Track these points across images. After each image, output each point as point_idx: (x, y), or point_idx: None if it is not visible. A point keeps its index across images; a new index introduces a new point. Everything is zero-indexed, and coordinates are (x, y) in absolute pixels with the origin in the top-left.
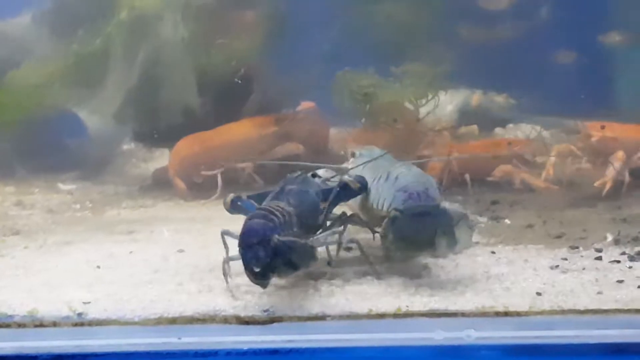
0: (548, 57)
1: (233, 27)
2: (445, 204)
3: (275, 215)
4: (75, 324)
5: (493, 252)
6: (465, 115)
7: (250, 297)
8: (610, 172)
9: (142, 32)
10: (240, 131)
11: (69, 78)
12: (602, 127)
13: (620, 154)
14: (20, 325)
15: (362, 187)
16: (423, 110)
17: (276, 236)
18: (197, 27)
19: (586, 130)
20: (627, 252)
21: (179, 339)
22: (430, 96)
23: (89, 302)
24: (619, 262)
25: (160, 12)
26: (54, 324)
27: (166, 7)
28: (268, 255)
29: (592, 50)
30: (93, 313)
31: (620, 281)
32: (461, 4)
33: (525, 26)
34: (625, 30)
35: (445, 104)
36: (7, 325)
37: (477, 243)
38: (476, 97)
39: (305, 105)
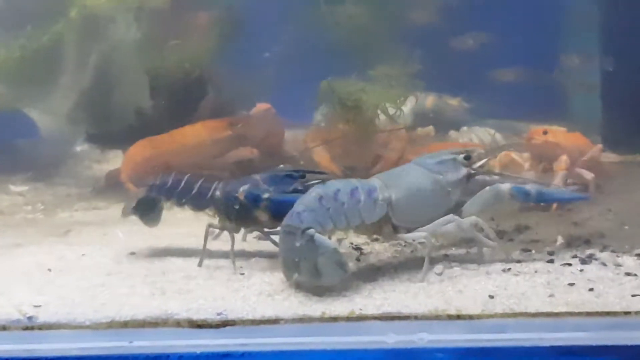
0: (505, 67)
1: (186, 28)
2: (324, 236)
3: None
4: (26, 328)
5: (446, 255)
6: (420, 117)
7: (204, 301)
8: (558, 181)
9: (94, 32)
10: (193, 135)
11: (15, 74)
12: (545, 133)
13: (563, 159)
14: None
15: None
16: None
17: None
18: (150, 29)
19: (529, 134)
20: (578, 255)
21: (130, 342)
22: (403, 98)
23: (40, 306)
24: (570, 265)
25: (113, 13)
26: (4, 328)
27: (118, 8)
28: None
29: (551, 67)
30: (44, 317)
31: (572, 284)
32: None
33: (488, 38)
34: (581, 53)
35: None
36: None
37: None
38: (430, 99)
39: (261, 107)
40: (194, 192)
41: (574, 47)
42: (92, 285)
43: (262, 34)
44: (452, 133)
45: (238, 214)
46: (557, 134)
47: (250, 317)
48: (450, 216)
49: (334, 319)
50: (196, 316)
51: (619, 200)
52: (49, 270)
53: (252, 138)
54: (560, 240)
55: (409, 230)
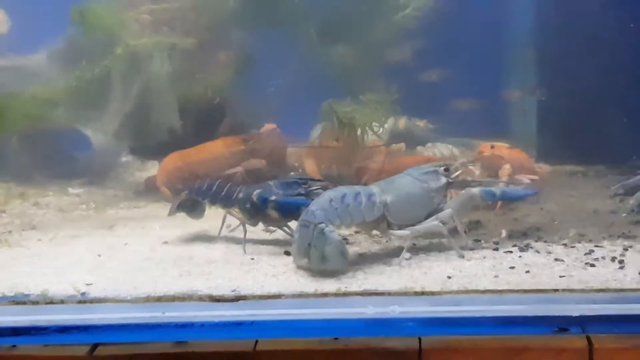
0: (461, 97)
1: (209, 65)
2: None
3: None
4: (79, 302)
5: (414, 244)
6: (394, 136)
7: (221, 280)
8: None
9: (135, 66)
10: (214, 149)
11: (72, 99)
12: (492, 147)
13: (507, 167)
14: (34, 302)
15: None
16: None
17: None
18: (180, 64)
19: (480, 149)
20: (517, 244)
21: (163, 313)
22: (384, 119)
23: (91, 284)
24: (511, 252)
25: (150, 51)
26: (62, 302)
27: (155, 47)
28: None
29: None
30: (94, 293)
31: (512, 267)
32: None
33: (448, 73)
34: (521, 87)
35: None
36: (24, 303)
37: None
38: (402, 122)
39: (268, 127)
40: (223, 194)
41: (516, 80)
42: (133, 268)
43: (269, 68)
44: (419, 148)
45: (254, 211)
46: (502, 148)
47: (258, 293)
48: (434, 219)
49: (325, 294)
50: (215, 292)
51: (550, 201)
52: (99, 255)
53: (261, 152)
54: (503, 233)
55: (399, 227)
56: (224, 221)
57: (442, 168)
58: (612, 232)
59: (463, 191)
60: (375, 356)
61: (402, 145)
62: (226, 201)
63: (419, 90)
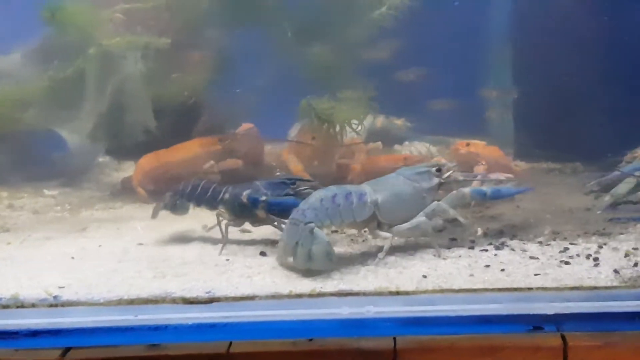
0: (439, 96)
1: (185, 64)
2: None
3: None
4: (51, 305)
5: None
6: (372, 134)
7: (196, 282)
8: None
9: (109, 66)
10: (190, 149)
11: (46, 100)
12: (467, 144)
13: (482, 164)
14: (5, 306)
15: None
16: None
17: None
18: (154, 64)
19: (455, 146)
20: (493, 242)
21: (136, 316)
22: (363, 116)
23: (64, 287)
24: (487, 250)
25: (123, 51)
26: (33, 306)
27: (128, 47)
28: None
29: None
30: (66, 296)
31: (488, 266)
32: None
33: (425, 72)
34: (498, 86)
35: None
36: None
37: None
38: (380, 120)
39: (246, 126)
40: (208, 195)
41: (492, 79)
42: (107, 270)
43: (245, 68)
44: (397, 147)
45: (242, 212)
46: (477, 145)
47: (232, 294)
48: (420, 215)
49: (299, 295)
50: (189, 294)
51: (526, 199)
52: (72, 258)
53: (238, 151)
54: (479, 231)
55: (390, 227)
56: (219, 222)
57: (435, 168)
58: (587, 230)
59: (454, 191)
60: (350, 357)
61: (379, 143)
62: (212, 202)
63: (396, 88)
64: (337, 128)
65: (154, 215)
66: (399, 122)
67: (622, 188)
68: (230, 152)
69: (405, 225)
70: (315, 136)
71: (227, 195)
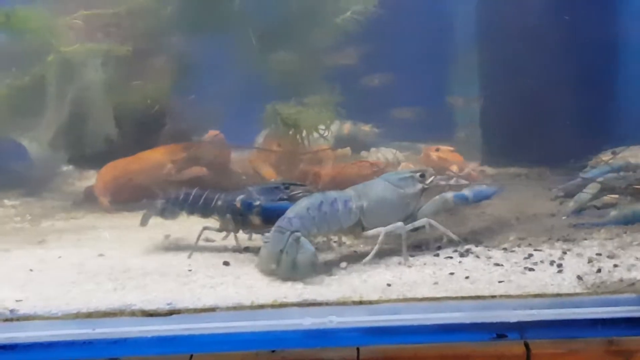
0: (405, 101)
1: (147, 71)
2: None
3: None
4: (7, 320)
5: (355, 251)
6: (339, 140)
7: (157, 293)
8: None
9: (69, 73)
10: (154, 158)
11: (4, 107)
12: (437, 150)
13: (455, 167)
14: None
15: (244, 206)
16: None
17: None
18: (116, 72)
19: (426, 151)
20: (458, 249)
21: (94, 330)
22: (329, 121)
23: (21, 300)
24: (452, 258)
25: (83, 58)
26: None
27: (87, 54)
28: None
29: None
30: (24, 309)
31: (452, 273)
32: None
33: (392, 78)
34: (465, 92)
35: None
36: None
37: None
38: (347, 126)
39: (212, 133)
40: (200, 203)
41: (458, 85)
42: (66, 283)
43: (211, 75)
44: (364, 153)
45: (235, 218)
46: (445, 151)
47: (194, 306)
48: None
49: (261, 306)
50: (149, 306)
51: (492, 204)
52: (31, 270)
53: (203, 159)
54: (445, 238)
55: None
56: (201, 233)
57: (418, 174)
58: (551, 236)
59: (437, 196)
60: None
61: (348, 149)
62: (205, 210)
63: (363, 94)
64: (304, 133)
65: (144, 222)
66: (366, 128)
67: (586, 194)
68: (196, 160)
69: (390, 229)
70: (281, 143)
71: (219, 202)
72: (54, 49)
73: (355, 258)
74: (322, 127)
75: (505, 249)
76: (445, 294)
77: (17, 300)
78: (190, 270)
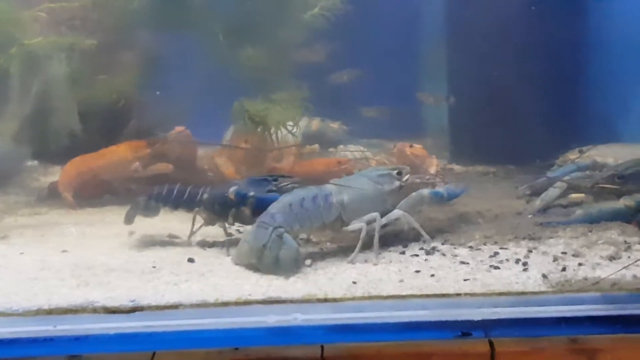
0: (372, 100)
1: (113, 66)
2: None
3: None
4: None
5: (322, 249)
6: (308, 137)
7: (120, 290)
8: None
9: (32, 67)
10: (118, 153)
11: None
12: (410, 146)
13: (434, 162)
14: None
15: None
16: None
17: None
18: (80, 66)
19: (400, 147)
20: (424, 247)
21: (55, 327)
22: (298, 118)
23: None
24: (417, 255)
25: (47, 51)
26: None
27: (51, 47)
28: None
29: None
30: None
31: (418, 271)
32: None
33: (360, 74)
34: (434, 90)
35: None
36: None
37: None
38: (315, 123)
39: (178, 129)
40: (185, 197)
41: (427, 82)
42: (28, 279)
43: (177, 70)
44: (332, 150)
45: (223, 211)
46: (417, 148)
47: (157, 303)
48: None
49: (225, 303)
50: (112, 303)
51: (459, 202)
52: None
53: (168, 155)
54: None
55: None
56: (193, 223)
57: (396, 172)
58: (517, 234)
59: (413, 193)
60: None
61: (316, 146)
62: (190, 204)
63: (331, 91)
64: (272, 130)
65: (129, 220)
66: (334, 125)
67: (552, 192)
68: (161, 156)
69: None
70: (248, 139)
71: (205, 196)
72: (17, 42)
73: (320, 255)
74: (290, 123)
75: (471, 247)
76: (411, 291)
77: None
78: (154, 267)
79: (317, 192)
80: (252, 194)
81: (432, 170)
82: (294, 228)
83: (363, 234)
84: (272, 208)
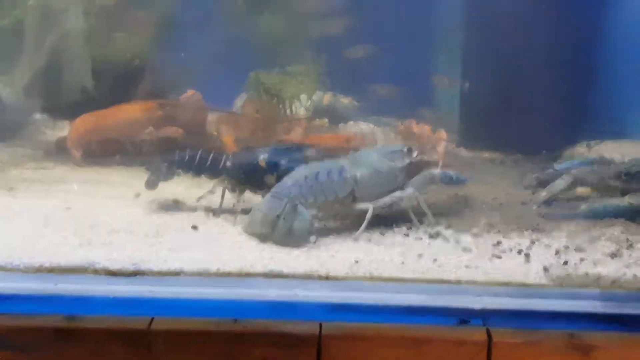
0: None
1: (128, 24)
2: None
3: None
4: None
5: (325, 225)
6: (318, 111)
7: (122, 252)
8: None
9: (48, 19)
10: (129, 113)
11: None
12: (417, 123)
13: (443, 143)
14: None
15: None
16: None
17: None
18: (97, 21)
19: (407, 125)
20: (428, 231)
21: (55, 285)
22: (312, 91)
23: None
24: (421, 239)
25: (65, 5)
26: None
27: (70, 1)
28: None
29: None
30: None
31: (420, 255)
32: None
33: (376, 50)
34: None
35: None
36: None
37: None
38: (327, 97)
39: (190, 92)
40: (208, 164)
41: (442, 64)
42: (31, 234)
43: (193, 33)
44: (341, 126)
45: (249, 178)
46: (424, 128)
47: (159, 268)
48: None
49: (228, 273)
50: (113, 265)
51: (466, 188)
52: None
53: (179, 118)
54: (415, 218)
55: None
56: (223, 193)
57: (406, 149)
58: (521, 224)
59: (425, 171)
60: (273, 340)
61: (326, 121)
62: (213, 171)
63: (345, 66)
64: (286, 103)
65: (152, 186)
66: (345, 100)
67: (559, 184)
68: (171, 119)
69: (382, 202)
70: (259, 110)
71: (228, 163)
72: None
73: (325, 232)
74: (305, 97)
75: (475, 234)
76: (412, 275)
77: None
78: (158, 232)
79: (331, 167)
80: (283, 162)
81: (441, 144)
82: (308, 200)
83: (368, 218)
84: (288, 179)
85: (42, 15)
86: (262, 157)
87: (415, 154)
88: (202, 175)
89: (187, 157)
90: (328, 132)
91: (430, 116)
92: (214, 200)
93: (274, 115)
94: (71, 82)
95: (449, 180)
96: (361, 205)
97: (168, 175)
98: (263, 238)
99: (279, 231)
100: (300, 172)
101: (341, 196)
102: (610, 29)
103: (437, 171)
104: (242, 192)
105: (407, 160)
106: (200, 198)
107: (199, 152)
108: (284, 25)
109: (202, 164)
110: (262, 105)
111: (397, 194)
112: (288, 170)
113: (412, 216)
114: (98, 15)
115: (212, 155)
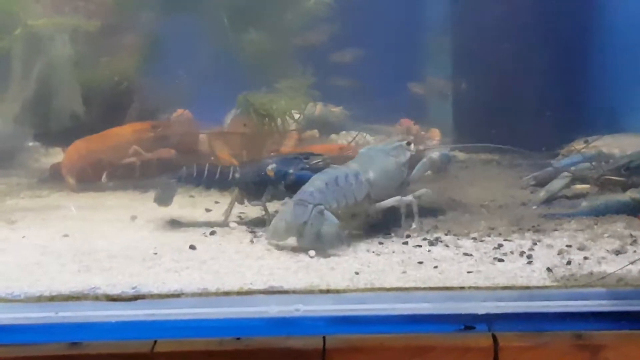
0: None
1: (116, 48)
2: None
3: None
4: None
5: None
6: (310, 122)
7: (121, 277)
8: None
9: (35, 48)
10: (121, 136)
11: None
12: (415, 124)
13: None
14: None
15: (276, 175)
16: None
17: None
18: (83, 47)
19: (404, 123)
20: (428, 238)
21: (57, 313)
22: (304, 105)
23: None
24: (421, 246)
25: (51, 33)
26: None
27: (55, 29)
28: None
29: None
30: None
31: (421, 262)
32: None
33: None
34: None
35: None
36: None
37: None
38: (318, 107)
39: (181, 112)
40: (217, 177)
41: (433, 68)
42: (29, 263)
43: (180, 54)
44: (333, 136)
45: (259, 189)
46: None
47: (158, 291)
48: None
49: (227, 293)
50: (113, 291)
51: (463, 192)
52: None
53: (171, 138)
54: (413, 225)
55: (377, 202)
56: (232, 205)
57: (405, 142)
58: (521, 226)
59: (423, 159)
60: (277, 356)
61: (315, 131)
62: (223, 183)
63: (335, 75)
64: (279, 121)
65: (166, 202)
66: (336, 110)
67: (557, 183)
68: (163, 139)
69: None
70: (247, 124)
71: (237, 175)
72: (21, 23)
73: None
74: (296, 111)
75: (475, 238)
76: (414, 283)
77: None
78: (155, 254)
79: (347, 171)
80: (291, 171)
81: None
82: (332, 206)
83: (415, 208)
84: (308, 186)
85: (29, 44)
86: (271, 167)
87: (412, 146)
88: (212, 188)
89: (194, 171)
90: (319, 142)
91: (425, 122)
92: (209, 220)
93: (263, 129)
94: (61, 109)
95: (447, 160)
96: (385, 203)
97: (175, 191)
98: (281, 246)
99: (308, 237)
100: (320, 179)
101: (359, 199)
102: (606, 23)
103: (435, 154)
104: (255, 202)
105: (408, 154)
106: (226, 212)
107: (207, 166)
108: (269, 40)
109: (211, 178)
110: (250, 121)
111: (398, 198)
112: (297, 179)
113: (403, 219)
114: (84, 40)
115: (219, 168)
